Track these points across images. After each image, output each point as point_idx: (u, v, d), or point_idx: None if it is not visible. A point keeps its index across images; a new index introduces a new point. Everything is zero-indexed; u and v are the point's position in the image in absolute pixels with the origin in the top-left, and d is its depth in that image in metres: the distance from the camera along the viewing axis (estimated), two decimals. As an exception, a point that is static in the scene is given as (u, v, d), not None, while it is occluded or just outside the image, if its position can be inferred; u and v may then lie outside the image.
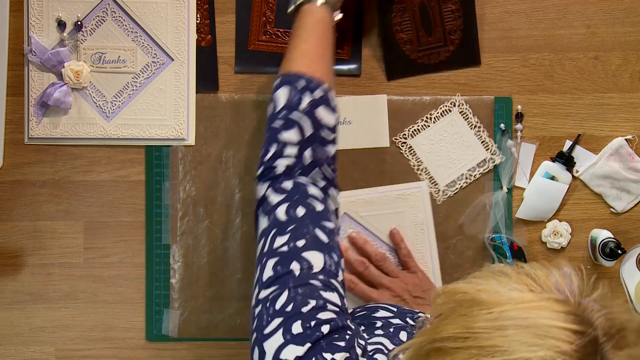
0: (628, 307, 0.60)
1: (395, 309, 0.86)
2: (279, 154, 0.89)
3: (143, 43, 1.13)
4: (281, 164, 0.89)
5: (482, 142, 1.12)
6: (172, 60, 1.13)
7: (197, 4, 1.13)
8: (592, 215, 1.14)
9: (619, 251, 1.06)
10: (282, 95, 0.91)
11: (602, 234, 1.10)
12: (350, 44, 1.13)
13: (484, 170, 1.12)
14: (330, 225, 0.85)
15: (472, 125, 1.12)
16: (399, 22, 1.09)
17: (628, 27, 1.13)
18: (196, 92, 1.13)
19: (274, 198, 0.86)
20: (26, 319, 1.14)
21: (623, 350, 0.54)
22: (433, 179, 1.13)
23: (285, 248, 0.81)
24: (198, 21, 1.13)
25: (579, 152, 1.13)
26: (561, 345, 0.53)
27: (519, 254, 1.10)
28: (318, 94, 0.91)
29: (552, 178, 1.12)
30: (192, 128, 1.13)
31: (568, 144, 1.13)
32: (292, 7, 0.99)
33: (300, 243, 0.81)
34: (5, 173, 1.13)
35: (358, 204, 1.12)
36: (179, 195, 1.13)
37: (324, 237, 0.83)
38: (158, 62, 1.13)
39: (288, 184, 0.87)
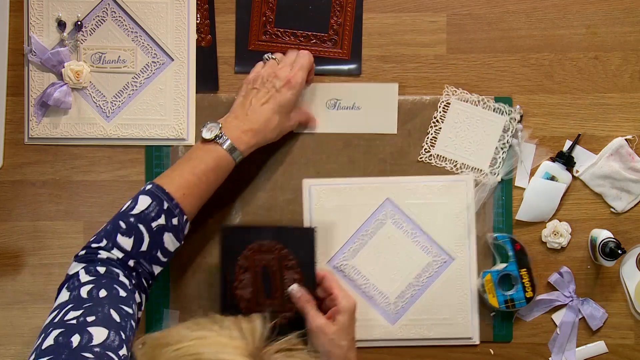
0: (308, 357, 0.71)
1: None
2: (106, 250, 0.93)
3: (143, 43, 1.13)
4: (104, 256, 0.93)
5: (494, 111, 1.12)
6: (172, 60, 1.13)
7: (197, 4, 1.13)
8: (592, 215, 1.14)
9: (619, 251, 1.06)
10: (142, 203, 0.95)
11: (602, 234, 1.10)
12: (350, 44, 1.13)
13: (511, 133, 1.12)
14: (128, 310, 0.87)
15: (476, 102, 1.12)
16: (240, 279, 1.04)
17: (628, 27, 1.13)
18: (196, 92, 1.13)
19: (84, 277, 0.89)
20: (26, 319, 1.14)
21: None
22: (476, 168, 1.13)
23: (74, 321, 0.82)
24: (198, 21, 1.13)
25: (579, 152, 1.13)
26: None
27: (521, 254, 1.10)
28: (174, 221, 0.96)
29: (552, 178, 1.12)
30: (192, 128, 1.13)
31: (568, 144, 1.13)
32: (206, 135, 1.01)
33: (90, 319, 0.82)
34: (5, 173, 1.14)
35: (401, 191, 1.12)
36: (179, 195, 1.13)
37: (116, 317, 0.84)
38: (158, 62, 1.13)
39: (101, 269, 0.90)
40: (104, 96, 1.13)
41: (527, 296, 1.10)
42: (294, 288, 1.02)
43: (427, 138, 1.13)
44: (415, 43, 1.14)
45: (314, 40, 1.13)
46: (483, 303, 1.12)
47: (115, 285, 0.88)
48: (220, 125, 1.02)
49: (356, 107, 1.12)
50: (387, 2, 1.14)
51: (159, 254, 0.96)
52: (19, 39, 1.12)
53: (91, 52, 1.12)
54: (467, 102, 1.13)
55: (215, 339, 0.68)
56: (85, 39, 1.12)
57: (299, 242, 1.04)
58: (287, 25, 1.13)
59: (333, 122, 1.13)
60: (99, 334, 0.80)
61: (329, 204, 1.12)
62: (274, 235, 1.04)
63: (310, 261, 1.04)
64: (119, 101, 1.13)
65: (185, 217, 0.97)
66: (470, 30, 1.14)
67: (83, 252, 0.94)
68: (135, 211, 0.95)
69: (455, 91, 1.13)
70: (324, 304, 1.04)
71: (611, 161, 1.12)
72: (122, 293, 0.88)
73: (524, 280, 1.09)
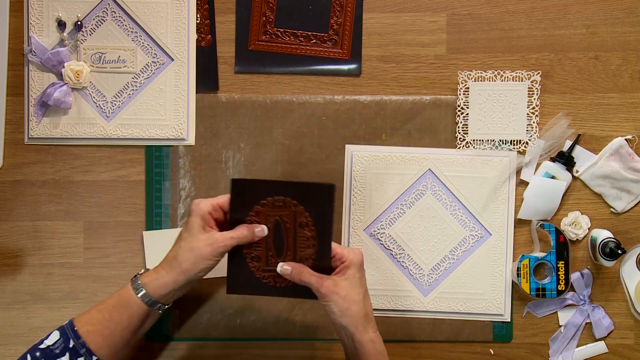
0: None
1: None
2: None
3: (143, 43, 1.13)
4: None
5: (513, 80, 1.13)
6: (172, 60, 1.13)
7: (197, 4, 1.13)
8: (592, 215, 1.13)
9: (619, 251, 1.06)
10: (51, 338, 0.93)
11: (602, 234, 1.10)
12: (350, 44, 1.13)
13: (536, 94, 1.13)
14: None
15: (493, 78, 1.13)
16: None
17: (628, 27, 1.13)
18: (196, 92, 1.13)
19: None
20: (26, 319, 1.14)
21: None
22: (515, 140, 1.12)
23: None
24: (198, 21, 1.13)
25: (579, 152, 1.13)
26: None
27: (562, 247, 1.09)
28: None
29: (552, 178, 1.12)
30: (192, 128, 1.13)
31: (568, 144, 1.13)
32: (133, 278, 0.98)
33: None
34: (5, 173, 1.14)
35: (443, 163, 1.13)
36: (179, 195, 1.13)
37: None
38: (158, 62, 1.13)
39: None
40: (104, 96, 1.13)
41: (559, 289, 1.10)
42: (281, 268, 0.96)
43: (458, 127, 1.13)
44: (415, 43, 1.14)
45: (314, 40, 1.13)
46: (512, 284, 1.13)
47: None
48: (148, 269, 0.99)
49: None
50: (387, 2, 1.14)
51: None
52: (19, 39, 1.12)
53: (91, 52, 1.12)
54: (484, 80, 1.13)
55: None
56: (85, 39, 1.12)
57: (316, 199, 0.96)
58: (287, 25, 1.13)
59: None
60: None
61: (369, 171, 1.13)
62: (290, 190, 0.96)
63: (327, 220, 0.96)
64: (119, 101, 1.13)
65: (95, 357, 0.93)
66: (470, 30, 1.14)
67: None
68: (42, 345, 0.93)
69: (470, 74, 1.13)
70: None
71: (611, 161, 1.12)
72: None
73: (559, 273, 1.10)
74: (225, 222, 0.99)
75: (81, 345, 0.92)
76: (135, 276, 0.97)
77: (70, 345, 0.92)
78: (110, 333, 0.94)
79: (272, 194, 0.96)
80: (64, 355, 0.92)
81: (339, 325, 0.95)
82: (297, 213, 0.96)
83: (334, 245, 0.97)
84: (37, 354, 0.92)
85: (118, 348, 0.96)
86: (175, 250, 0.96)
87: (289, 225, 0.97)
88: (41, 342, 0.93)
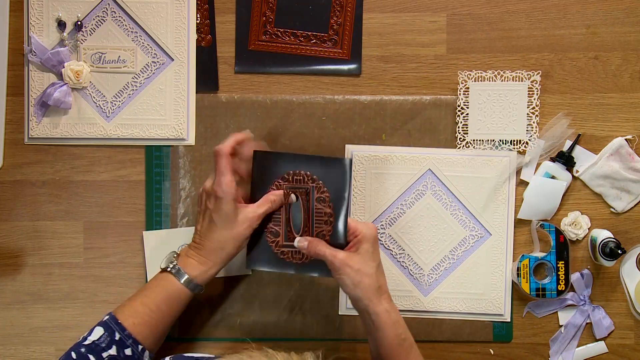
0: None
1: None
2: None
3: (143, 43, 1.13)
4: None
5: (513, 80, 1.12)
6: (172, 60, 1.13)
7: (197, 4, 1.13)
8: (592, 215, 1.13)
9: (619, 251, 1.06)
10: (95, 334, 0.96)
11: (602, 234, 1.10)
12: (350, 44, 1.13)
13: (536, 94, 1.12)
14: None
15: (493, 78, 1.13)
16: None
17: (628, 27, 1.13)
18: (196, 92, 1.13)
19: None
20: (26, 319, 1.14)
21: None
22: (515, 140, 1.12)
23: None
24: (198, 21, 1.13)
25: (579, 152, 1.13)
26: None
27: (562, 247, 1.09)
28: (127, 352, 0.95)
29: (552, 178, 1.12)
30: (192, 128, 1.13)
31: (568, 144, 1.13)
32: (162, 264, 1.02)
33: None
34: (5, 173, 1.14)
35: (443, 163, 1.13)
36: (179, 195, 1.13)
37: None
38: (158, 62, 1.13)
39: None
40: (104, 96, 1.13)
41: (559, 289, 1.10)
42: (298, 243, 0.99)
43: (458, 127, 1.13)
44: (415, 43, 1.14)
45: (314, 40, 1.13)
46: (512, 284, 1.13)
47: None
48: (175, 254, 1.02)
49: None
50: (387, 2, 1.14)
51: None
52: (19, 39, 1.12)
53: (91, 52, 1.13)
54: (484, 80, 1.13)
55: None
56: (85, 39, 1.12)
57: (334, 173, 0.99)
58: (287, 25, 1.13)
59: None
60: None
61: (369, 171, 1.13)
62: (309, 164, 1.00)
63: (345, 195, 0.99)
64: (119, 101, 1.13)
65: (140, 346, 0.96)
66: (470, 30, 1.14)
67: None
68: (87, 342, 0.95)
69: (470, 74, 1.13)
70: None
71: (611, 161, 1.12)
72: None
73: (559, 273, 1.10)
74: (248, 177, 1.03)
75: (127, 336, 0.95)
76: (175, 268, 0.99)
77: (117, 338, 0.95)
78: (157, 324, 0.99)
79: (293, 167, 1.00)
80: (110, 348, 0.94)
81: (353, 298, 0.97)
82: (315, 188, 0.99)
83: (348, 219, 0.99)
84: (82, 350, 0.94)
85: (162, 335, 1.01)
86: (216, 240, 0.99)
87: (307, 201, 1.00)
88: (84, 339, 0.95)
